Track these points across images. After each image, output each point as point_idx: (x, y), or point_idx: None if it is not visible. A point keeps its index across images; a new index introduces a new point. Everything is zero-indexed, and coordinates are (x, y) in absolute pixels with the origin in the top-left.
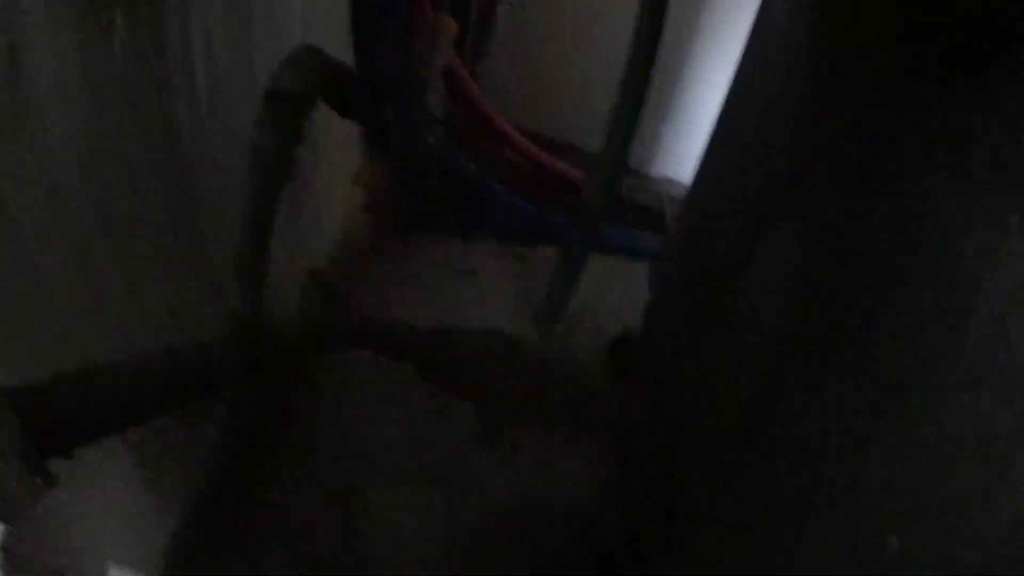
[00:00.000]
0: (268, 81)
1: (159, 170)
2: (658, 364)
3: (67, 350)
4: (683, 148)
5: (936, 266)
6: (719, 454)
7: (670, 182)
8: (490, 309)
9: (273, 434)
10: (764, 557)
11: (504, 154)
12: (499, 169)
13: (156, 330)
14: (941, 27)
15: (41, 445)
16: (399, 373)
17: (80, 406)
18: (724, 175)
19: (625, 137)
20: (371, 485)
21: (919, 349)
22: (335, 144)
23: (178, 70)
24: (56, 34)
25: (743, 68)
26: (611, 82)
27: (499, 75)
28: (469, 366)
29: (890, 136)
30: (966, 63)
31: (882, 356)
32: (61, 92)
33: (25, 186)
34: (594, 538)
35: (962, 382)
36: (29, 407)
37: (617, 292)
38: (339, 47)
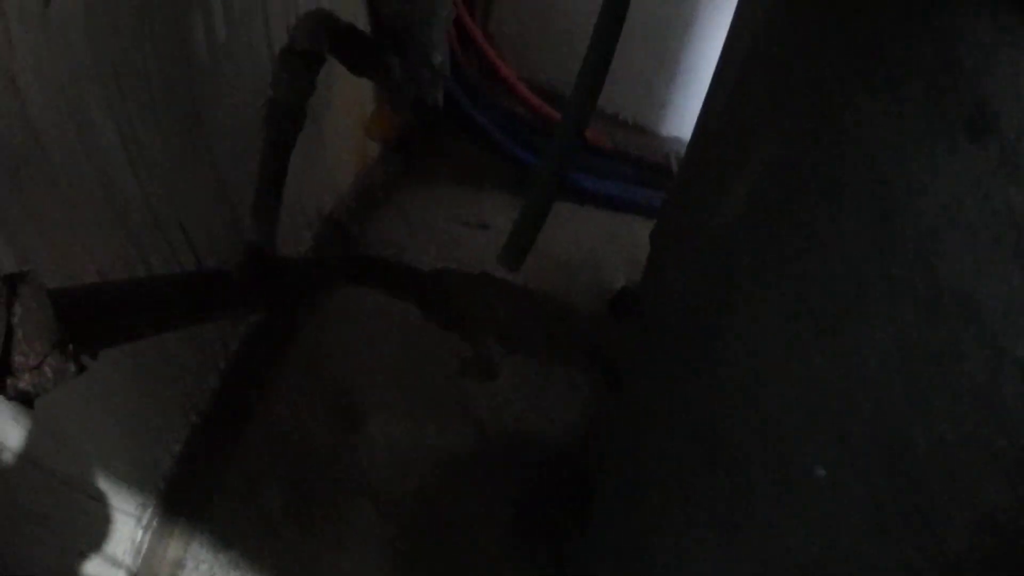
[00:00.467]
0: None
1: (178, 99)
2: (650, 313)
3: (91, 259)
4: (691, 107)
5: (870, 188)
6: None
7: (678, 141)
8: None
9: (277, 357)
10: (696, 490)
11: (512, 105)
12: (509, 121)
13: (171, 248)
14: None
15: (78, 340)
16: (402, 310)
17: (108, 312)
18: (711, 126)
19: (594, 78)
20: (369, 412)
21: (850, 269)
22: (347, 96)
23: (197, 8)
24: None
25: (732, 28)
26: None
27: (508, 26)
28: (466, 302)
29: (839, 74)
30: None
31: (816, 273)
32: (88, 31)
33: (57, 112)
34: (574, 465)
35: (887, 302)
36: (64, 305)
37: (623, 249)
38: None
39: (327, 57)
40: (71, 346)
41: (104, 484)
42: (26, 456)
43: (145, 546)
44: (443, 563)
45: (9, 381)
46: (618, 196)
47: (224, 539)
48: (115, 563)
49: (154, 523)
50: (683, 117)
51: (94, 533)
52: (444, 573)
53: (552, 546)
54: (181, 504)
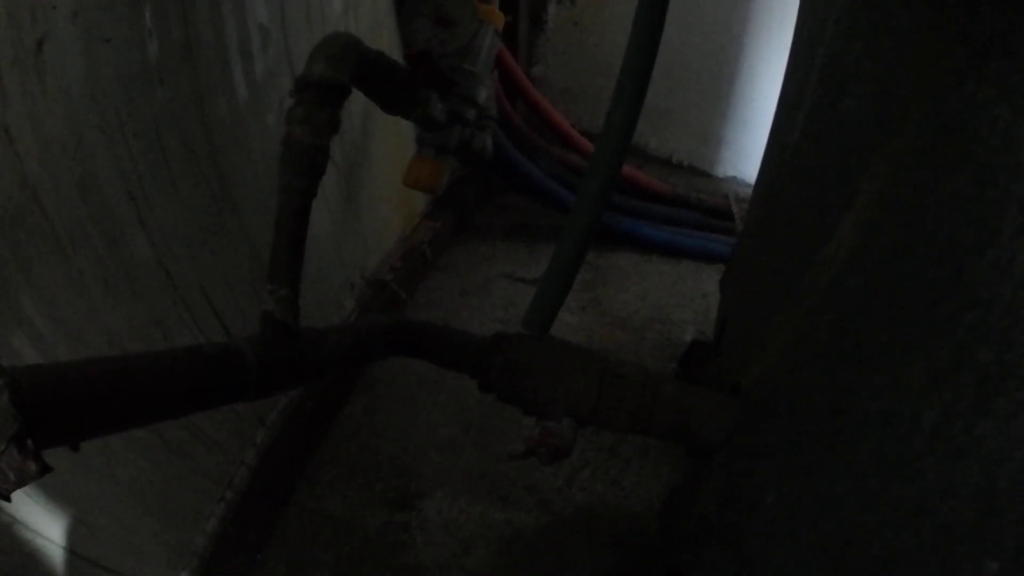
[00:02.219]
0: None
1: (195, 157)
2: (729, 370)
3: (101, 328)
4: (748, 144)
5: None
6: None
7: (736, 181)
8: (558, 321)
9: (320, 432)
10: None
11: (565, 155)
12: (561, 169)
13: (192, 315)
14: None
15: (42, 430)
16: (455, 380)
17: (86, 398)
18: (785, 161)
19: (627, 120)
20: (422, 490)
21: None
22: (389, 144)
23: (214, 64)
24: (84, 29)
25: (794, 55)
26: (667, 77)
27: (554, 75)
28: (530, 376)
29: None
30: None
31: (973, 315)
32: (92, 86)
33: (56, 168)
34: (651, 544)
35: None
36: (31, 390)
37: (691, 299)
38: (385, 37)
39: (351, 89)
40: (30, 442)
41: (135, 565)
42: (55, 541)
43: None
44: None
45: None
46: (680, 243)
47: None
48: None
49: None
50: (740, 156)
51: None
52: None
53: None
54: None
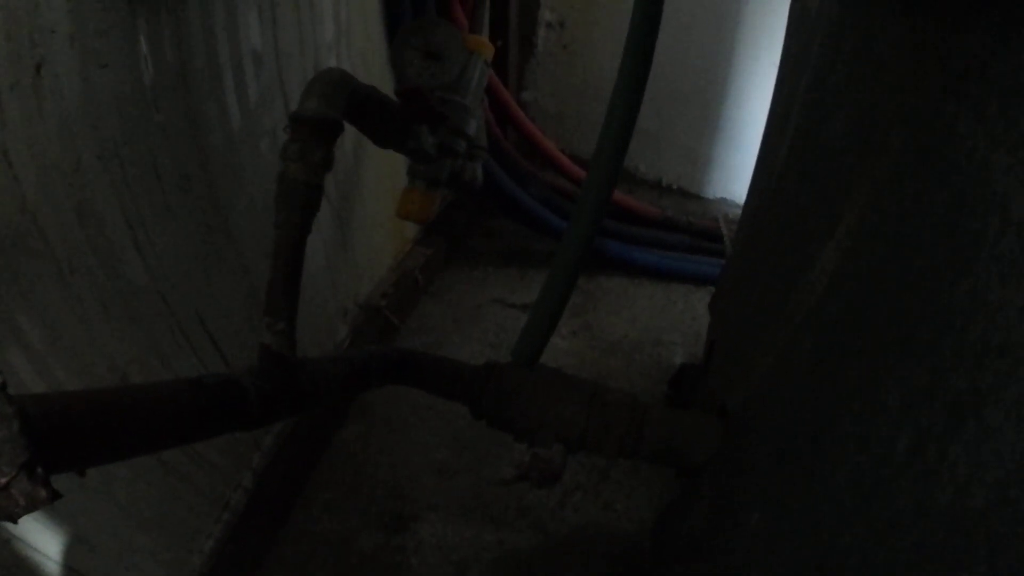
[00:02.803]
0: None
1: (192, 185)
2: (717, 391)
3: (102, 356)
4: (737, 166)
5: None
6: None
7: (726, 202)
8: (550, 346)
9: (315, 457)
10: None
11: (555, 180)
12: (552, 195)
13: (191, 344)
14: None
15: (50, 458)
16: (449, 407)
17: (96, 426)
18: (771, 184)
19: (618, 149)
20: (417, 514)
21: (992, 326)
22: (380, 173)
23: (208, 90)
24: (82, 54)
25: (780, 78)
26: (655, 99)
27: (544, 99)
28: (520, 404)
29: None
30: None
31: (950, 340)
32: (89, 111)
33: (57, 206)
34: (645, 562)
35: None
36: (39, 418)
37: (680, 322)
38: (377, 65)
39: (343, 126)
40: (40, 469)
41: None
42: (54, 559)
43: None
44: None
45: None
46: (670, 266)
47: None
48: None
49: None
50: (730, 177)
51: None
52: None
53: None
54: None
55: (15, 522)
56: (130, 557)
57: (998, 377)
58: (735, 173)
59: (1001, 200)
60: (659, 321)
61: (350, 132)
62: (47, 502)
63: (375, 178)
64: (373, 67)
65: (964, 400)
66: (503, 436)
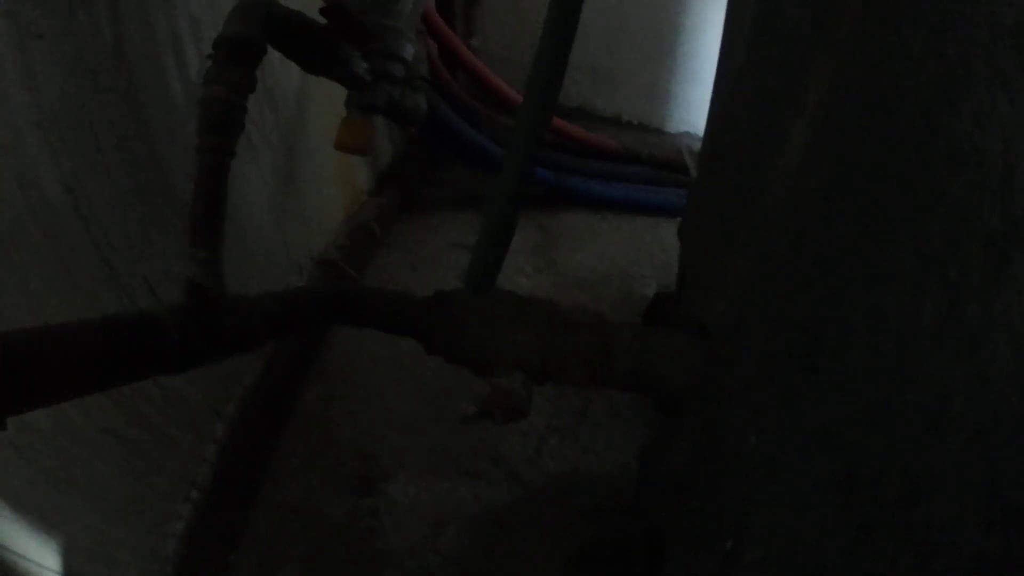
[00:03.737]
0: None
1: (131, 151)
2: (692, 313)
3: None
4: (698, 100)
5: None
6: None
7: (688, 136)
8: (513, 285)
9: (279, 421)
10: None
11: (508, 121)
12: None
13: (136, 306)
14: None
15: None
16: (411, 354)
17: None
18: (731, 95)
19: (552, 63)
20: (387, 473)
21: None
22: (326, 121)
23: (146, 56)
24: (17, 25)
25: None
26: (608, 35)
27: (493, 45)
28: (473, 332)
29: None
30: None
31: (941, 205)
32: (26, 81)
33: None
34: (630, 509)
35: None
36: None
37: (650, 254)
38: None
39: (265, 47)
40: None
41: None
42: (21, 554)
43: None
44: None
45: None
46: (634, 198)
47: None
48: None
49: None
50: (691, 110)
51: None
52: None
53: None
54: None
55: None
56: (100, 547)
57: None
58: (695, 106)
59: (986, 10)
60: (627, 254)
61: (292, 84)
62: None
63: (321, 130)
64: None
65: (1000, 235)
66: (470, 382)
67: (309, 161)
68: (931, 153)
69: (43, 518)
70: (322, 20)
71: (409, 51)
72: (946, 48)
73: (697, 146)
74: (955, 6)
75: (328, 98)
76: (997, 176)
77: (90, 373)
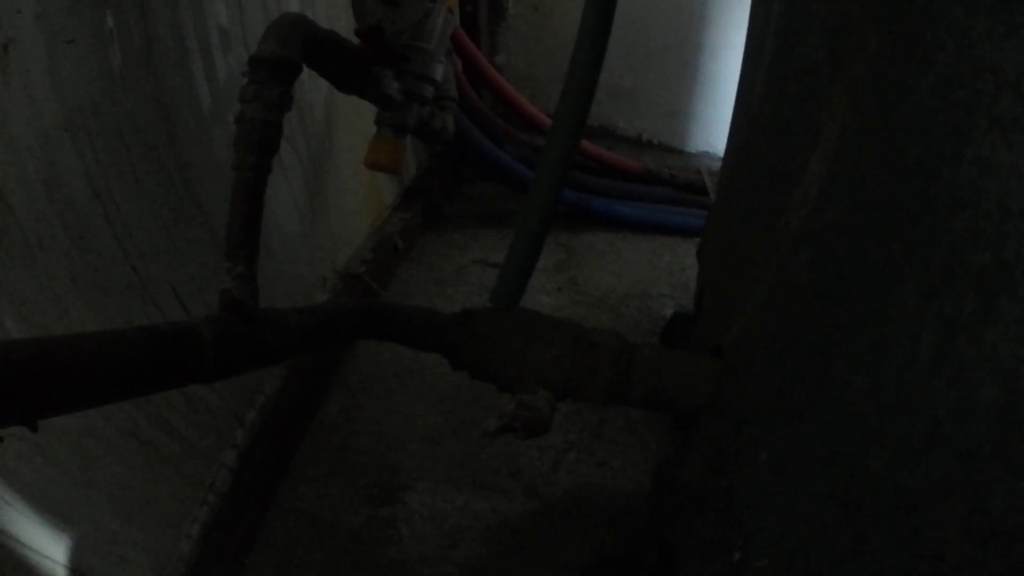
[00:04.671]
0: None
1: (160, 158)
2: (709, 335)
3: (69, 329)
4: (717, 120)
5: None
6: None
7: (708, 156)
8: (535, 303)
9: (300, 429)
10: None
11: (532, 139)
12: (529, 155)
13: (163, 313)
14: None
15: None
16: (434, 367)
17: (39, 373)
18: (751, 119)
19: (584, 88)
20: (406, 483)
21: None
22: (353, 137)
23: (175, 65)
24: (48, 31)
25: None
26: (630, 55)
27: (517, 62)
28: (499, 349)
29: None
30: None
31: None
32: (56, 85)
33: (25, 181)
34: (643, 521)
35: None
36: None
37: (668, 274)
38: (343, 29)
39: (301, 66)
40: None
41: (119, 575)
42: (37, 551)
43: None
44: None
45: None
46: (654, 219)
47: None
48: None
49: None
50: (711, 130)
51: None
52: None
53: None
54: None
55: None
56: (115, 547)
57: None
58: (715, 127)
59: (989, 63)
60: (646, 274)
61: (320, 100)
62: None
63: (348, 145)
64: (342, 32)
65: (991, 275)
66: (492, 398)
67: (335, 175)
68: (935, 195)
69: (58, 515)
70: (356, 40)
71: (439, 72)
72: (953, 95)
73: (716, 166)
74: (964, 55)
75: (355, 113)
76: (992, 220)
77: (126, 380)
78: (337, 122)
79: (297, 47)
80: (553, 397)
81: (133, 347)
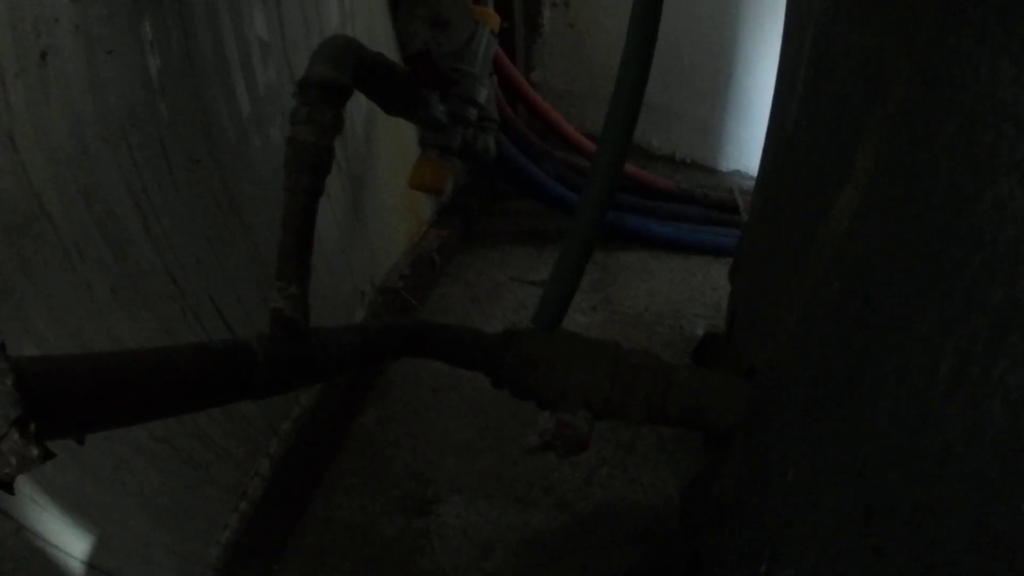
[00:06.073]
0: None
1: (200, 168)
2: (742, 355)
3: (108, 336)
4: (750, 137)
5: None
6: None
7: (740, 174)
8: (570, 321)
9: (335, 439)
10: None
11: (568, 157)
12: (565, 172)
13: (200, 323)
14: None
15: (46, 418)
16: (469, 381)
17: (95, 387)
18: (786, 139)
19: (628, 115)
20: (440, 495)
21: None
22: (392, 153)
23: (215, 76)
24: (87, 41)
25: (786, 35)
26: (664, 73)
27: (553, 78)
28: (542, 369)
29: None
30: None
31: (977, 262)
32: (95, 96)
33: (64, 190)
34: (673, 536)
35: None
36: (36, 377)
37: (701, 293)
38: (382, 45)
39: (352, 89)
40: (33, 426)
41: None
42: (67, 551)
43: None
44: None
45: None
46: (688, 238)
47: None
48: None
49: None
50: (743, 149)
51: None
52: None
53: None
54: None
55: (10, 489)
56: (144, 549)
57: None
58: (748, 145)
59: (1011, 108)
60: (679, 293)
61: (361, 116)
62: (39, 461)
63: (387, 162)
64: (380, 47)
65: (1004, 312)
66: (526, 414)
67: (375, 192)
68: (957, 232)
69: (88, 517)
70: (402, 62)
71: (483, 95)
72: (977, 135)
73: (748, 185)
74: (988, 98)
75: (395, 128)
76: (1007, 261)
77: (181, 397)
78: (377, 137)
79: (349, 70)
80: (592, 416)
81: (187, 365)
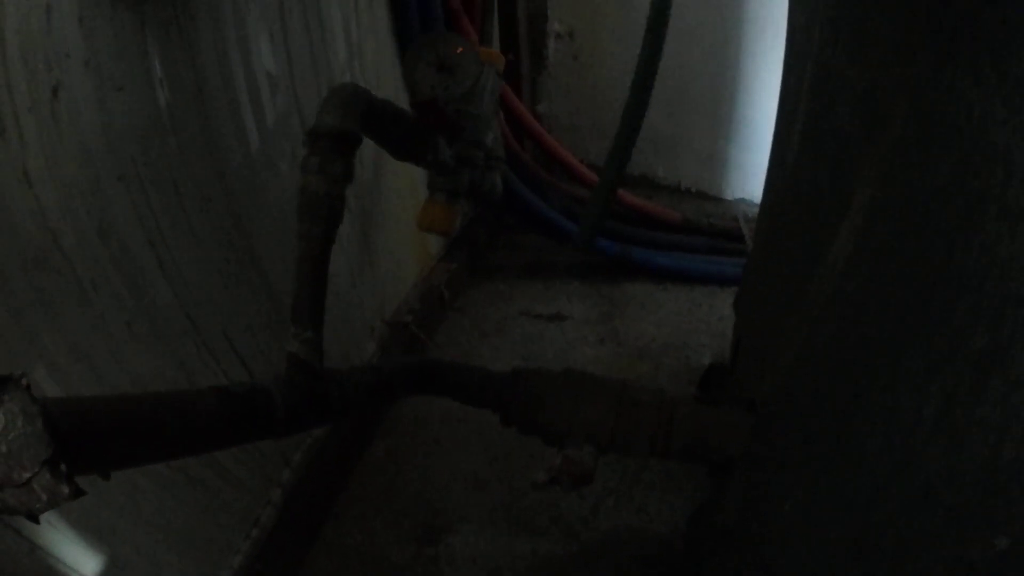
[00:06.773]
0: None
1: (212, 204)
2: (745, 387)
3: (124, 372)
4: (754, 165)
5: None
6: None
7: (745, 203)
8: (578, 354)
9: (345, 470)
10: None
11: (573, 189)
12: (573, 205)
13: (215, 359)
14: None
15: (73, 457)
16: (477, 417)
17: (118, 428)
18: (785, 179)
19: (624, 148)
20: (449, 525)
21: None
22: (400, 189)
23: (224, 112)
24: (97, 77)
25: (786, 67)
26: (668, 103)
27: (559, 110)
28: (548, 407)
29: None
30: None
31: (970, 298)
32: (107, 132)
33: (78, 225)
34: (678, 563)
35: None
36: (63, 418)
37: (706, 323)
38: (390, 83)
39: (361, 138)
40: (64, 466)
41: None
42: (82, 574)
43: None
44: None
45: None
46: (693, 269)
47: None
48: None
49: None
50: (747, 177)
51: None
52: None
53: None
54: None
55: (37, 520)
56: (157, 574)
57: (1018, 328)
58: (752, 173)
59: (1002, 152)
60: (685, 324)
61: (369, 150)
62: (69, 498)
63: (396, 196)
64: (386, 84)
65: (986, 357)
66: (535, 446)
67: (383, 226)
68: (945, 276)
69: (102, 539)
70: (412, 111)
71: (489, 137)
72: (967, 181)
73: (752, 212)
74: (980, 140)
75: (404, 165)
76: (992, 306)
77: (202, 439)
78: (385, 172)
79: (357, 120)
80: (597, 452)
81: (207, 406)
